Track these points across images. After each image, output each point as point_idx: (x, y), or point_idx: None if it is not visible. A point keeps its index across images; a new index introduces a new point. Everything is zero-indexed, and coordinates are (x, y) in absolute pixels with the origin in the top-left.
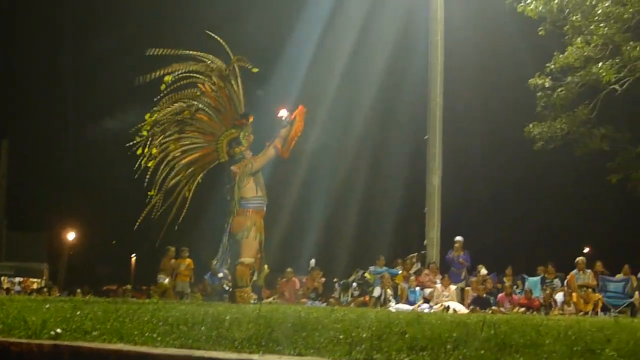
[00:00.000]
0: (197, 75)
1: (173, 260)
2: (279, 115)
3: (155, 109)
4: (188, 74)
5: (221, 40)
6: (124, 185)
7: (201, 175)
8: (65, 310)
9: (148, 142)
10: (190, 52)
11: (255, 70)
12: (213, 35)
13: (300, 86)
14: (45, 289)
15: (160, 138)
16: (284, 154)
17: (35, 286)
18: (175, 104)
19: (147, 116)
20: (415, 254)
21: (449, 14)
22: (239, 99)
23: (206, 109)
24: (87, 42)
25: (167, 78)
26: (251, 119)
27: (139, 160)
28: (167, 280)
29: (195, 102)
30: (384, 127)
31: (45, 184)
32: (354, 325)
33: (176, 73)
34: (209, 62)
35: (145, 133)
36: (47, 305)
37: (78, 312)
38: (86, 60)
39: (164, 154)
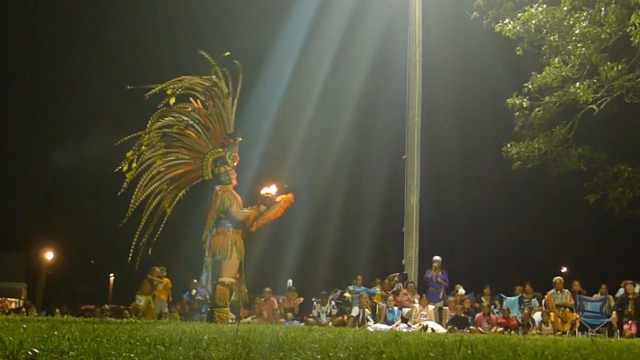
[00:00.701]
0: (192, 91)
1: (155, 279)
2: (267, 190)
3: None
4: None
5: (210, 59)
6: (102, 205)
7: (183, 191)
8: (42, 330)
9: (135, 157)
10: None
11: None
12: (204, 54)
13: (278, 106)
14: (23, 309)
15: (149, 152)
16: (252, 227)
17: (13, 306)
18: (166, 118)
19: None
20: (397, 273)
21: (427, 34)
22: (229, 119)
23: (195, 126)
24: (64, 62)
25: (172, 100)
26: (239, 140)
27: (124, 176)
28: (142, 302)
29: (186, 118)
30: (362, 146)
31: (23, 203)
32: (331, 345)
33: (177, 89)
34: (204, 79)
35: (130, 152)
36: (25, 325)
37: (55, 332)
38: (64, 79)
39: (149, 170)
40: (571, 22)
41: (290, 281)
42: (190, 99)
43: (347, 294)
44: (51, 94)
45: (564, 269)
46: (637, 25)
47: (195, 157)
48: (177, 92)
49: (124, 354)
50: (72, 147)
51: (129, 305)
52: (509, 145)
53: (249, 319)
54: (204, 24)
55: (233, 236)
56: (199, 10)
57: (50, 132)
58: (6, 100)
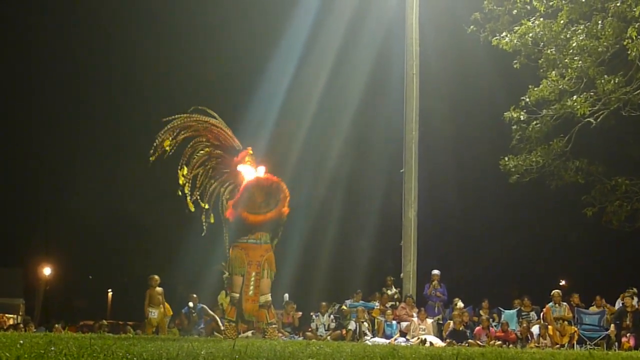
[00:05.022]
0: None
1: (159, 289)
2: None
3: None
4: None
5: (212, 112)
6: (100, 220)
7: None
8: (39, 345)
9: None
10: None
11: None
12: (207, 109)
13: (274, 120)
14: (21, 325)
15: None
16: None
17: (11, 322)
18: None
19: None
20: (392, 277)
21: (424, 47)
22: (232, 137)
23: (216, 145)
24: (67, 82)
25: (166, 143)
26: (250, 150)
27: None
28: (156, 315)
29: (205, 142)
30: (360, 160)
31: (20, 218)
32: None
33: (174, 133)
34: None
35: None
36: (22, 341)
37: (52, 348)
38: (62, 97)
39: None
40: (568, 35)
41: (286, 295)
42: (195, 129)
43: (344, 307)
44: (52, 108)
45: (562, 282)
46: (634, 38)
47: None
48: (174, 142)
49: None
50: (72, 163)
51: (128, 321)
52: (506, 158)
53: (248, 333)
54: (197, 40)
55: (236, 251)
56: (192, 24)
57: (48, 147)
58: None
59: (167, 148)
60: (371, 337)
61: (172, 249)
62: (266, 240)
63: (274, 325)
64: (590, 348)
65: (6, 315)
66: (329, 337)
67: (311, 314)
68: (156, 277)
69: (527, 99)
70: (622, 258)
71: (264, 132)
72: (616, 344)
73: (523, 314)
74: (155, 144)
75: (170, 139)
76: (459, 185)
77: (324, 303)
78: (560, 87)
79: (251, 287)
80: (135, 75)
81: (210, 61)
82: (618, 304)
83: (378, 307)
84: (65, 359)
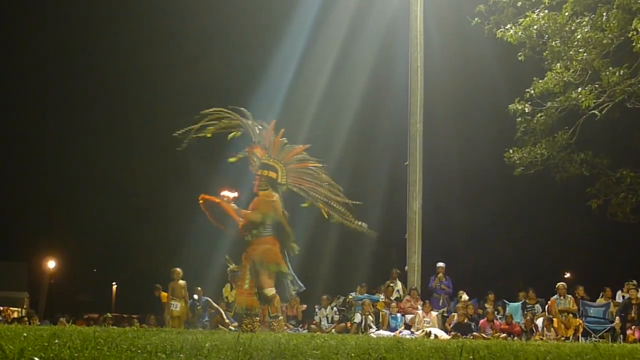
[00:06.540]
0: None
1: (182, 282)
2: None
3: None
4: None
5: (244, 110)
6: (105, 213)
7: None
8: (43, 338)
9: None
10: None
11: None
12: (240, 108)
13: (277, 112)
14: (25, 318)
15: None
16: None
17: (15, 315)
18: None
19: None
20: (397, 270)
21: (428, 40)
22: (252, 129)
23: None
24: (68, 78)
25: (210, 130)
26: (257, 150)
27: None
28: (178, 307)
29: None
30: (364, 152)
31: (24, 212)
32: (332, 352)
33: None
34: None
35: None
36: (25, 334)
37: (56, 341)
38: (67, 92)
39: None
40: (573, 28)
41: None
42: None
43: (350, 297)
44: (57, 103)
45: (567, 275)
46: (639, 30)
47: None
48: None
49: None
50: (76, 157)
51: (133, 314)
52: (511, 151)
53: (231, 327)
54: (204, 33)
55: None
56: (199, 17)
57: (52, 140)
58: (5, 108)
59: (209, 135)
60: (376, 330)
61: (177, 242)
62: (260, 234)
63: (279, 318)
64: (595, 340)
65: (10, 308)
66: (333, 330)
67: (315, 306)
68: (178, 269)
69: (532, 91)
70: (627, 250)
71: (268, 124)
72: (621, 336)
73: (528, 306)
74: (191, 129)
75: (215, 128)
76: (464, 178)
77: (324, 297)
78: (565, 79)
79: (246, 280)
80: (141, 71)
81: (213, 55)
82: (618, 296)
83: (383, 300)
84: (69, 351)
